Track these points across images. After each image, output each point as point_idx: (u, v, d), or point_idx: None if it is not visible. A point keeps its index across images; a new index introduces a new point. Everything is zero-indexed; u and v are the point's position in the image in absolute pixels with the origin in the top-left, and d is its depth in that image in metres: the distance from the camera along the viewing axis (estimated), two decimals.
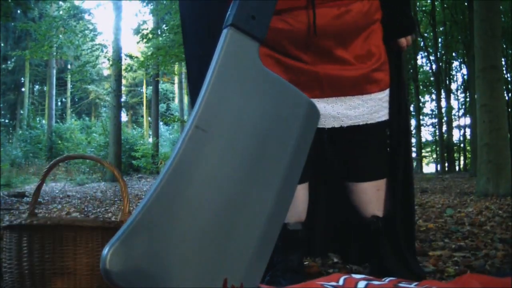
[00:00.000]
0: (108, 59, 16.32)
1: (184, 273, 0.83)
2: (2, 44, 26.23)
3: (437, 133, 25.43)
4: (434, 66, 20.81)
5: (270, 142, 1.10)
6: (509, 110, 16.58)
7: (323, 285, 0.95)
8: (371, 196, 1.72)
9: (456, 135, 27.30)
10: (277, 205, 1.09)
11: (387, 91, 1.72)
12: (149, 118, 29.52)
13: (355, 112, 1.67)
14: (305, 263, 1.99)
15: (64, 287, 1.54)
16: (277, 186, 1.11)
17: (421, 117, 26.31)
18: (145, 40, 14.79)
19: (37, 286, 1.52)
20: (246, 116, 1.05)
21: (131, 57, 18.38)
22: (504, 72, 16.90)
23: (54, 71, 25.31)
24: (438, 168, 22.51)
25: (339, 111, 1.66)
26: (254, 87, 1.09)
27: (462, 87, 25.42)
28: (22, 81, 29.34)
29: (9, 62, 28.89)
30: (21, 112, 28.56)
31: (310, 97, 1.59)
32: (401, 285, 0.89)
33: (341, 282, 0.98)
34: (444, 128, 22.18)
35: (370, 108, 1.68)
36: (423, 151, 28.60)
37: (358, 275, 1.05)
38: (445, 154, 21.45)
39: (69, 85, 30.99)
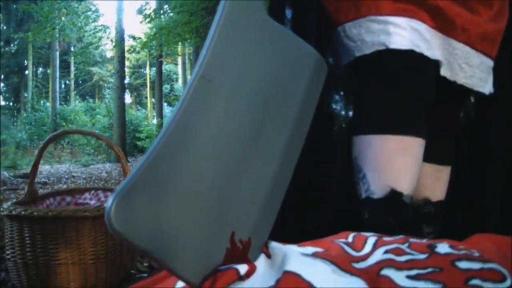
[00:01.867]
0: (111, 40, 16.26)
1: (190, 226, 0.82)
2: (4, 27, 26.14)
3: None
4: None
5: (277, 94, 1.08)
6: None
7: (333, 242, 0.94)
8: (431, 179, 1.57)
9: None
10: (285, 159, 1.08)
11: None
12: (153, 99, 29.53)
13: (471, 71, 1.44)
14: None
15: (70, 277, 1.54)
16: (284, 140, 1.09)
17: None
18: (147, 19, 14.71)
19: (42, 276, 1.52)
20: (252, 67, 1.02)
21: (134, 38, 18.31)
22: None
23: (57, 54, 25.24)
24: None
25: (460, 61, 1.41)
26: (260, 38, 1.06)
27: None
28: (25, 64, 29.29)
29: (12, 45, 28.82)
30: (25, 95, 28.57)
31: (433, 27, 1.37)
32: (412, 240, 0.88)
33: (350, 239, 0.97)
34: None
35: (481, 74, 1.48)
36: None
37: (367, 233, 1.03)
38: None
39: (72, 67, 31.01)
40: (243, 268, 0.80)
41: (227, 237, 0.88)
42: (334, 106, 1.75)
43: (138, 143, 18.94)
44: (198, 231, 0.82)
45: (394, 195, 1.32)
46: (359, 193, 1.40)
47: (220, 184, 0.90)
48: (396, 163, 1.33)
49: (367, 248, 0.90)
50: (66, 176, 9.08)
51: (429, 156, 1.53)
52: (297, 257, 0.81)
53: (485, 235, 0.94)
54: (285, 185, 1.08)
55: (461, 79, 1.44)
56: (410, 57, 1.31)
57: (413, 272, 0.72)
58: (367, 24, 1.35)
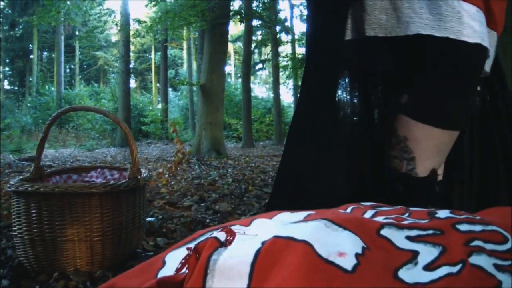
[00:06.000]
0: (116, 24, 16.22)
1: None
2: (9, 11, 26.08)
3: None
4: None
5: None
6: None
7: (334, 213, 0.91)
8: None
9: None
10: None
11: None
12: (158, 84, 29.52)
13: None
14: None
15: (76, 254, 1.54)
16: None
17: None
18: (153, 3, 14.64)
19: (49, 252, 1.52)
20: None
21: (139, 22, 18.26)
22: None
23: (62, 38, 25.23)
24: None
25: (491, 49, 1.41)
26: None
27: None
28: (31, 48, 29.27)
29: (17, 29, 28.79)
30: (30, 79, 28.57)
31: None
32: (412, 209, 0.87)
33: (349, 210, 0.95)
34: None
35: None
36: None
37: (367, 203, 1.01)
38: None
39: (77, 52, 31.02)
40: (222, 236, 0.74)
41: None
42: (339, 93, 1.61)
43: (143, 127, 18.97)
44: None
45: (433, 176, 1.39)
46: (394, 167, 1.41)
47: None
48: (446, 153, 1.42)
49: (366, 216, 0.87)
50: (71, 160, 9.14)
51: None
52: (286, 226, 0.77)
53: (499, 208, 0.92)
54: None
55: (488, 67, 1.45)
56: (478, 51, 1.30)
57: (413, 232, 0.71)
58: (436, 3, 1.28)
